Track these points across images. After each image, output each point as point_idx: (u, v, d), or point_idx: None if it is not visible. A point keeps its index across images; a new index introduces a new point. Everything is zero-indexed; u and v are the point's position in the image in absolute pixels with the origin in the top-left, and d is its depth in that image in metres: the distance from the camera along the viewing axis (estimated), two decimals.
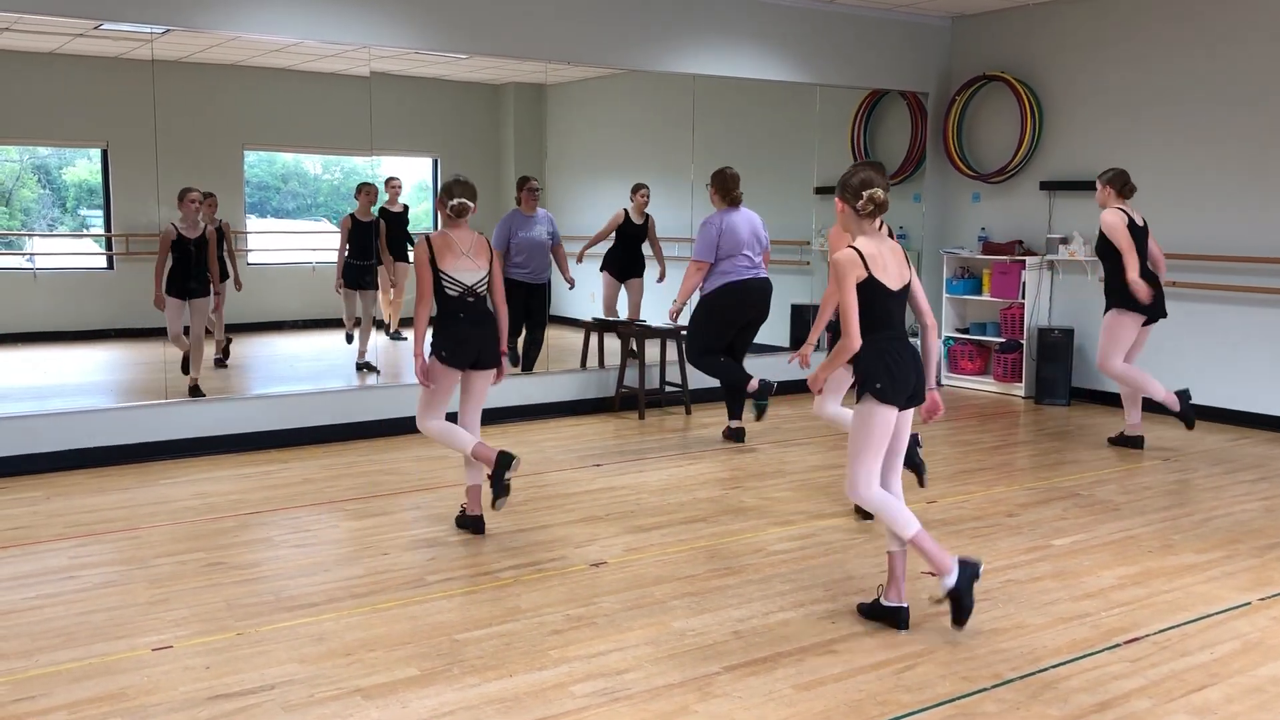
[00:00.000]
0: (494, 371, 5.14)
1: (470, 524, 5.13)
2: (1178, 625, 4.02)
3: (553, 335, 8.86)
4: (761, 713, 3.29)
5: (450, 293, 4.97)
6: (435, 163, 10.78)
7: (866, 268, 3.82)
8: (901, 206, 10.01)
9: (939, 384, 4.00)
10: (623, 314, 8.97)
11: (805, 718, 3.26)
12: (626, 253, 8.95)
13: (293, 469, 6.40)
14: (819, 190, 9.22)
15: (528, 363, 8.45)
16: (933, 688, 3.47)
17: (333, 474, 6.28)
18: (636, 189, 8.86)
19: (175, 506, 5.59)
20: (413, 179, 11.11)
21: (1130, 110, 8.41)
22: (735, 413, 7.17)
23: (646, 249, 9.02)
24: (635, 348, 8.05)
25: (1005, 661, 3.68)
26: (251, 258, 9.86)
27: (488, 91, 10.79)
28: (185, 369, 7.53)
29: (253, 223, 10.18)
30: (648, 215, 8.90)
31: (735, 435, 7.13)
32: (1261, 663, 3.69)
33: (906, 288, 3.97)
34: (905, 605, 3.98)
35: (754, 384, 6.81)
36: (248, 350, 9.13)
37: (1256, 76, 7.64)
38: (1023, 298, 8.89)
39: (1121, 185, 6.78)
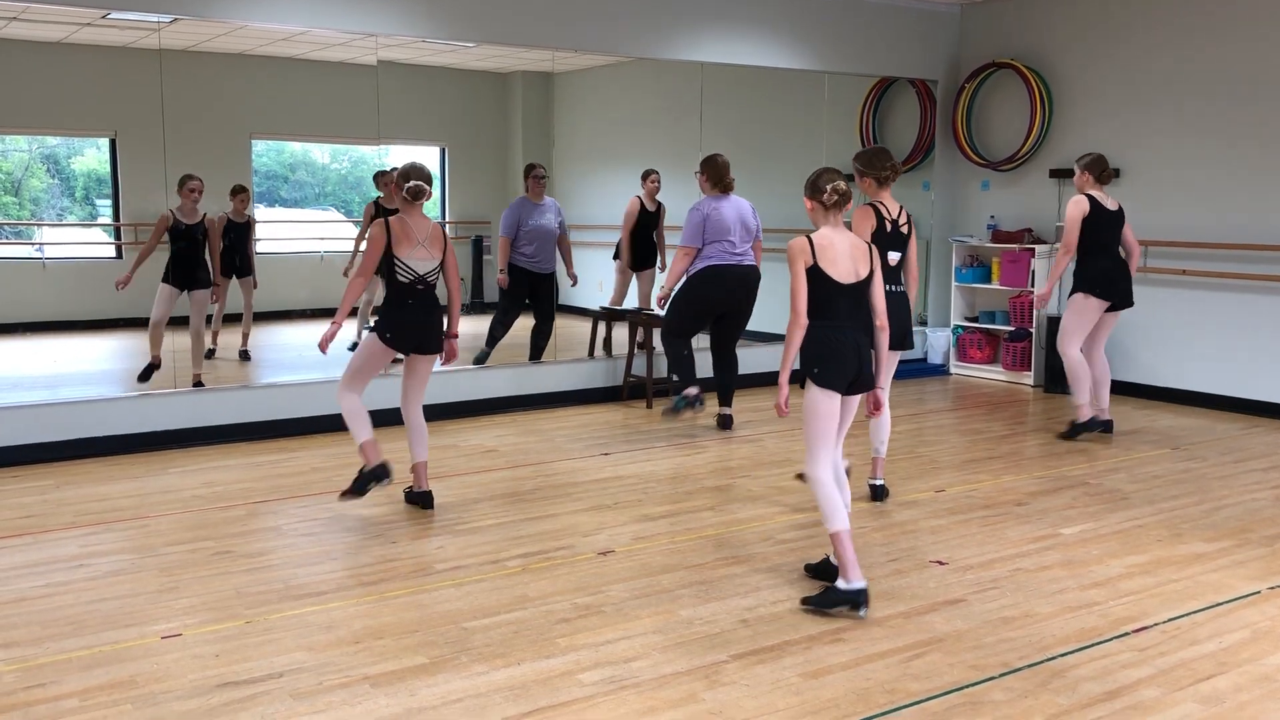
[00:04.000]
0: (434, 357, 5.26)
1: (374, 474, 5.13)
2: (1187, 614, 4.01)
3: (560, 324, 8.86)
4: (769, 701, 3.29)
5: (401, 279, 5.05)
6: (443, 151, 10.78)
7: (814, 256, 3.97)
8: (911, 194, 9.98)
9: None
10: (630, 304, 8.94)
11: (813, 706, 3.26)
12: (641, 242, 8.83)
13: (301, 458, 6.41)
14: None
15: (535, 352, 8.41)
16: (940, 676, 3.47)
17: (341, 463, 6.28)
18: (647, 175, 8.71)
19: (184, 495, 5.61)
20: None
21: (1140, 98, 8.37)
22: (726, 400, 7.24)
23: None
24: (643, 338, 8.04)
25: (1013, 650, 3.67)
26: (260, 247, 9.88)
27: (495, 80, 10.77)
28: (146, 375, 7.39)
29: (261, 212, 10.20)
30: (659, 202, 8.83)
31: (725, 422, 7.22)
32: (1271, 651, 3.68)
33: (863, 284, 4.08)
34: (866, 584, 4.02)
35: (693, 390, 6.98)
36: (257, 340, 9.14)
37: (1268, 65, 7.59)
38: (1032, 286, 8.86)
39: (1100, 170, 6.76)
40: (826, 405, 4.01)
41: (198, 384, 7.34)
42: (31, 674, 3.48)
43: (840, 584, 3.98)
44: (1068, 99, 8.88)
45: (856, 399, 4.23)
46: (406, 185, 5.03)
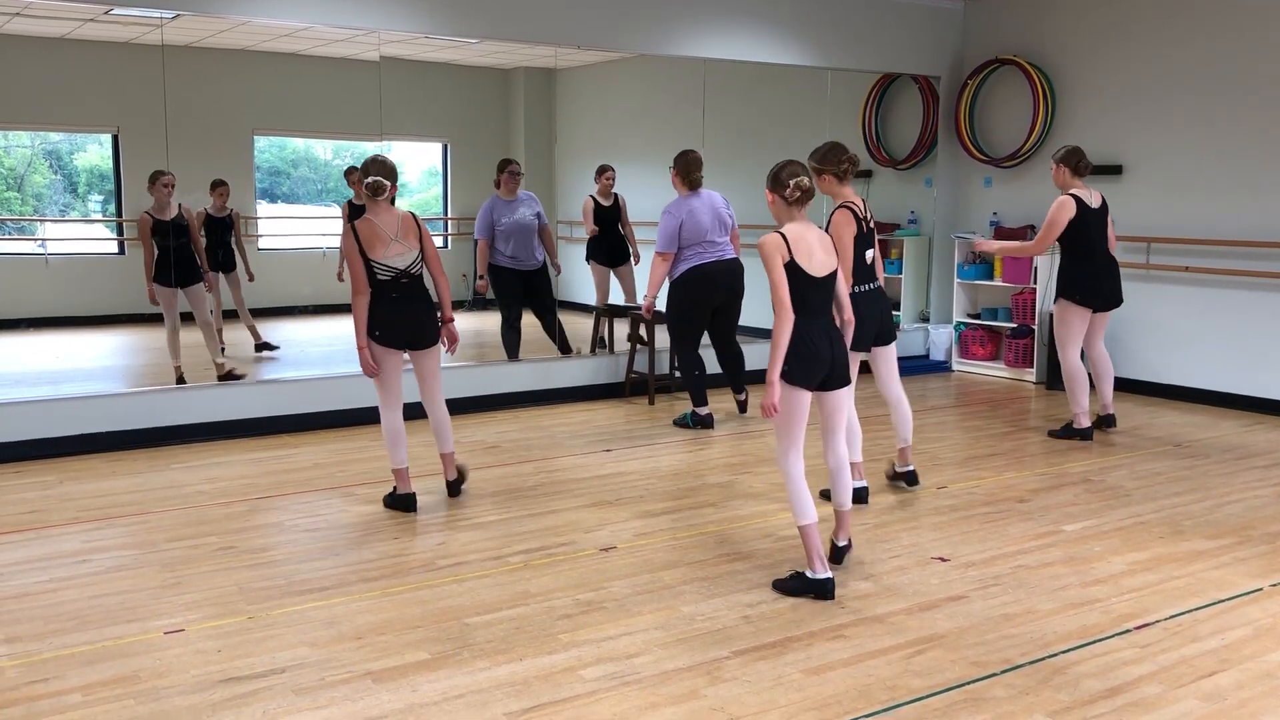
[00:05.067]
0: (438, 349, 5.23)
1: (400, 502, 5.23)
2: (1188, 611, 4.01)
3: (562, 321, 8.85)
4: (770, 697, 3.29)
5: (382, 278, 4.98)
6: (445, 148, 10.79)
7: (790, 252, 4.03)
8: (913, 191, 9.98)
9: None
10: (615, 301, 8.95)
11: (814, 702, 3.27)
12: (606, 238, 8.84)
13: (303, 454, 6.42)
14: None
15: (562, 343, 8.46)
16: (942, 673, 3.47)
17: (343, 459, 6.30)
18: (601, 171, 8.76)
19: (187, 491, 5.61)
20: (423, 164, 11.13)
21: (1144, 94, 8.35)
22: (738, 388, 7.35)
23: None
24: (644, 333, 8.05)
25: (1015, 647, 3.67)
26: (262, 243, 9.89)
27: (497, 76, 10.77)
28: (181, 378, 7.41)
29: (263, 208, 10.21)
30: (617, 196, 8.82)
31: (742, 407, 7.38)
32: (1272, 649, 3.68)
33: (832, 277, 4.16)
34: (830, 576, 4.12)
35: (705, 410, 7.12)
36: (260, 335, 9.15)
37: (1273, 60, 7.57)
38: (1034, 283, 8.85)
39: (1075, 163, 6.56)
40: (797, 401, 4.06)
41: (230, 376, 7.36)
42: (34, 669, 3.49)
43: (807, 573, 4.10)
44: (1070, 95, 8.87)
45: (842, 393, 4.27)
46: (366, 181, 4.95)
